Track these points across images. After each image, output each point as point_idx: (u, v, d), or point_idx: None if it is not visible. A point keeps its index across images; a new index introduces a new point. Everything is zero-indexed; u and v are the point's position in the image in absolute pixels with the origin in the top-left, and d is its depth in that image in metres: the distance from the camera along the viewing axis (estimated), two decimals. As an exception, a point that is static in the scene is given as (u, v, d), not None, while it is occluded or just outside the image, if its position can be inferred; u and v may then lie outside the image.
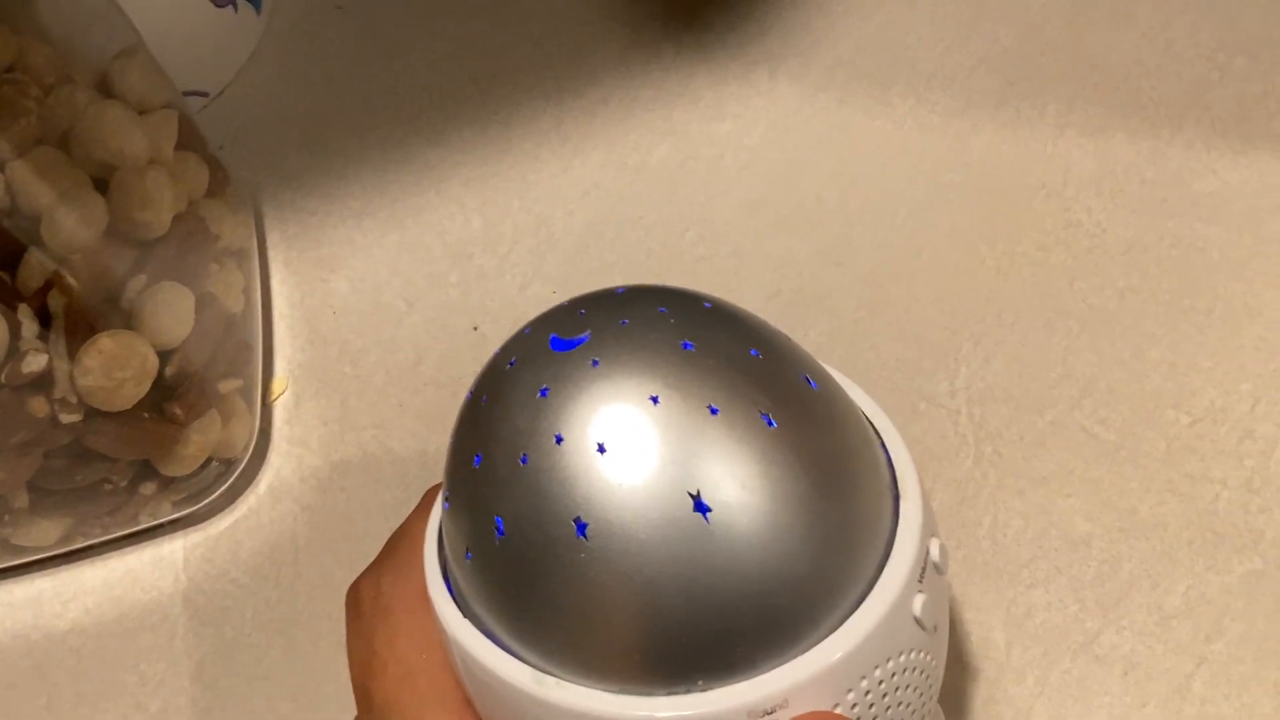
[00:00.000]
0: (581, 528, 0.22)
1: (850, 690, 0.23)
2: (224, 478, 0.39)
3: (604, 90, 0.47)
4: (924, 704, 0.25)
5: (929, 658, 0.25)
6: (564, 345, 0.24)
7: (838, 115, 0.44)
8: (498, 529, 0.23)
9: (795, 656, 0.23)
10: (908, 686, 0.25)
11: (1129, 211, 0.40)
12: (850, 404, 0.25)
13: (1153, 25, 0.44)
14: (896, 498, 0.25)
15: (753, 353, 0.24)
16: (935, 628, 0.25)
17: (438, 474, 0.38)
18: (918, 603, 0.24)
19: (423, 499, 0.29)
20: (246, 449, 0.39)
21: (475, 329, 0.42)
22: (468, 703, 0.26)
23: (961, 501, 0.35)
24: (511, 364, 0.24)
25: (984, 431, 0.36)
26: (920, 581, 0.24)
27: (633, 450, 0.22)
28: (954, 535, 0.35)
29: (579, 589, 0.22)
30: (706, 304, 0.25)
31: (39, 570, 0.39)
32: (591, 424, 0.22)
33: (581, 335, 0.23)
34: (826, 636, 0.23)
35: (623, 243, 0.43)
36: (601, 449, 0.22)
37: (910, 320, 0.39)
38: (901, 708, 0.25)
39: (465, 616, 0.24)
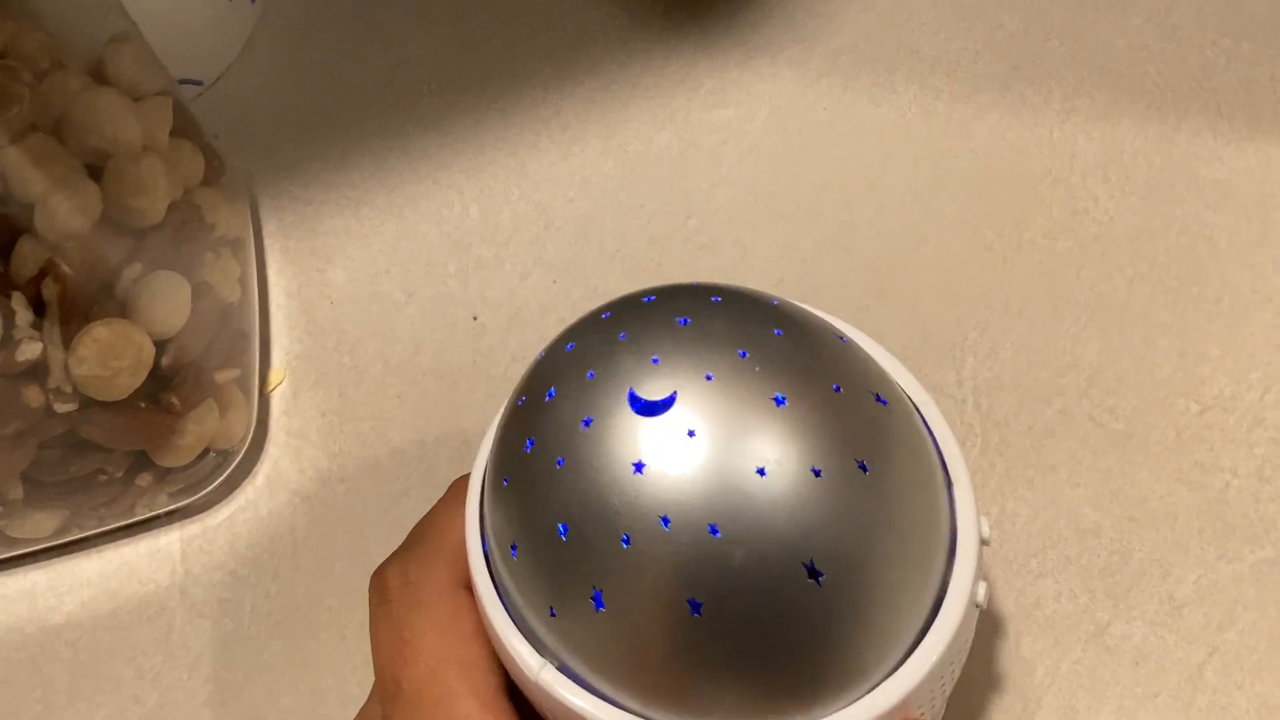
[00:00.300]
0: (696, 607, 0.22)
1: (931, 693, 0.24)
2: (221, 469, 0.39)
3: (604, 78, 0.46)
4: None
5: (973, 633, 0.26)
6: (648, 408, 0.23)
7: (841, 102, 0.44)
8: (596, 601, 0.22)
9: (887, 677, 0.23)
10: (962, 658, 0.25)
11: (1136, 198, 0.39)
12: (909, 405, 0.26)
13: (1157, 10, 0.44)
14: (949, 480, 0.25)
15: (835, 389, 0.23)
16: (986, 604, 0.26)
17: (437, 464, 0.38)
18: (981, 590, 0.25)
19: (450, 489, 0.29)
20: (244, 440, 0.39)
21: (475, 319, 0.41)
22: (499, 694, 0.26)
23: (969, 491, 0.35)
24: (587, 424, 0.23)
25: (991, 421, 0.36)
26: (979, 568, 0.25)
27: (746, 527, 0.22)
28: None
29: (690, 662, 0.22)
30: (777, 330, 0.24)
31: (34, 563, 0.39)
32: (699, 504, 0.22)
33: (667, 397, 0.23)
34: (913, 649, 0.23)
35: (624, 231, 0.42)
36: (714, 531, 0.22)
37: (916, 309, 0.38)
38: (953, 680, 0.25)
39: (540, 654, 0.24)
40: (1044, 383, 0.36)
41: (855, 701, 0.23)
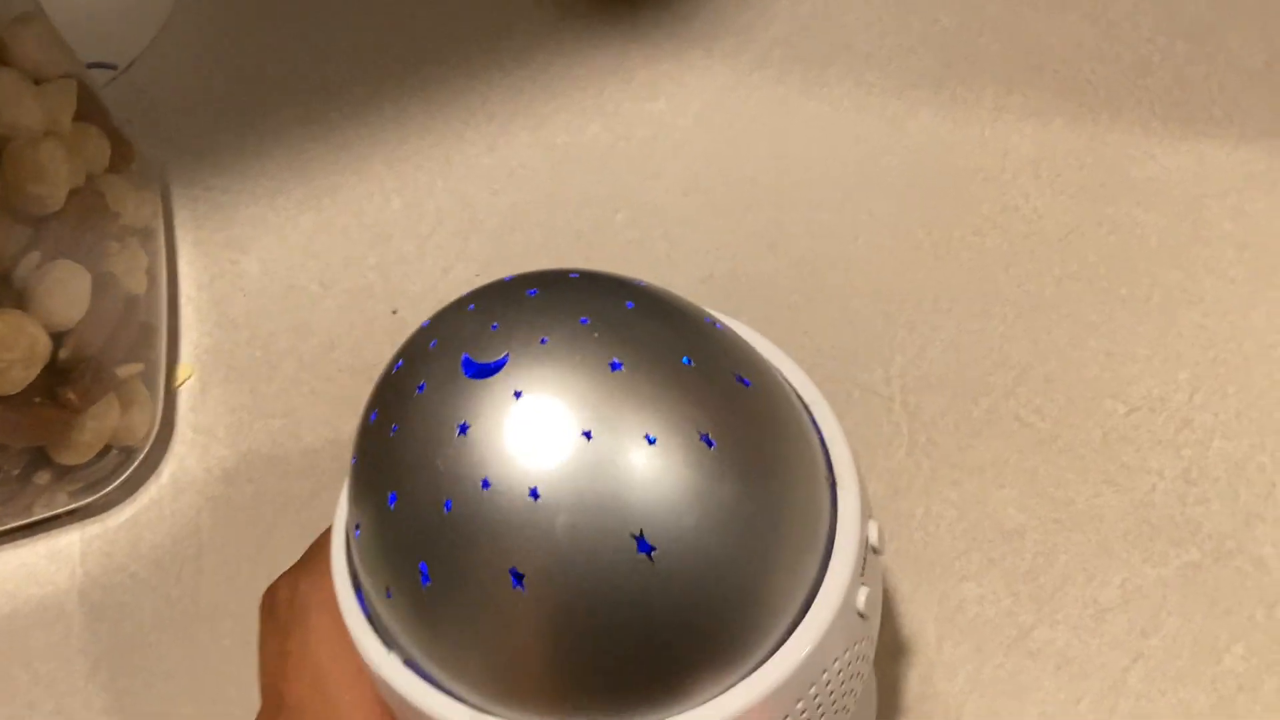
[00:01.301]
0: (518, 578, 0.20)
1: (800, 700, 0.22)
2: (123, 467, 0.37)
3: (532, 68, 0.45)
4: (863, 684, 0.25)
5: (868, 645, 0.24)
6: (480, 371, 0.22)
7: (774, 95, 0.43)
8: (423, 575, 0.21)
9: (744, 677, 0.22)
10: (852, 676, 0.24)
11: (1067, 197, 0.39)
12: (784, 394, 0.24)
13: (1095, 7, 0.43)
14: (833, 483, 0.24)
15: (685, 361, 0.22)
16: (873, 614, 0.24)
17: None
18: (861, 597, 0.23)
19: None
20: (148, 437, 0.37)
21: (395, 313, 0.40)
22: (385, 708, 0.24)
23: (895, 492, 0.34)
24: (421, 389, 0.22)
25: (918, 420, 0.35)
26: (862, 574, 0.23)
27: (568, 493, 0.20)
28: (887, 527, 0.33)
29: (517, 636, 0.21)
30: (630, 303, 0.23)
31: (-76, 565, 0.37)
32: (521, 467, 0.21)
33: (499, 359, 0.21)
34: (775, 650, 0.22)
35: (551, 224, 0.41)
36: (534, 494, 0.20)
37: (845, 306, 0.37)
38: (846, 696, 0.24)
39: (388, 646, 0.23)
40: (972, 381, 0.35)
41: (701, 704, 0.22)
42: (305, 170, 0.43)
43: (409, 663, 0.22)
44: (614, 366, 0.21)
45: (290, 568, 0.27)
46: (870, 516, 0.24)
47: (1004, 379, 0.35)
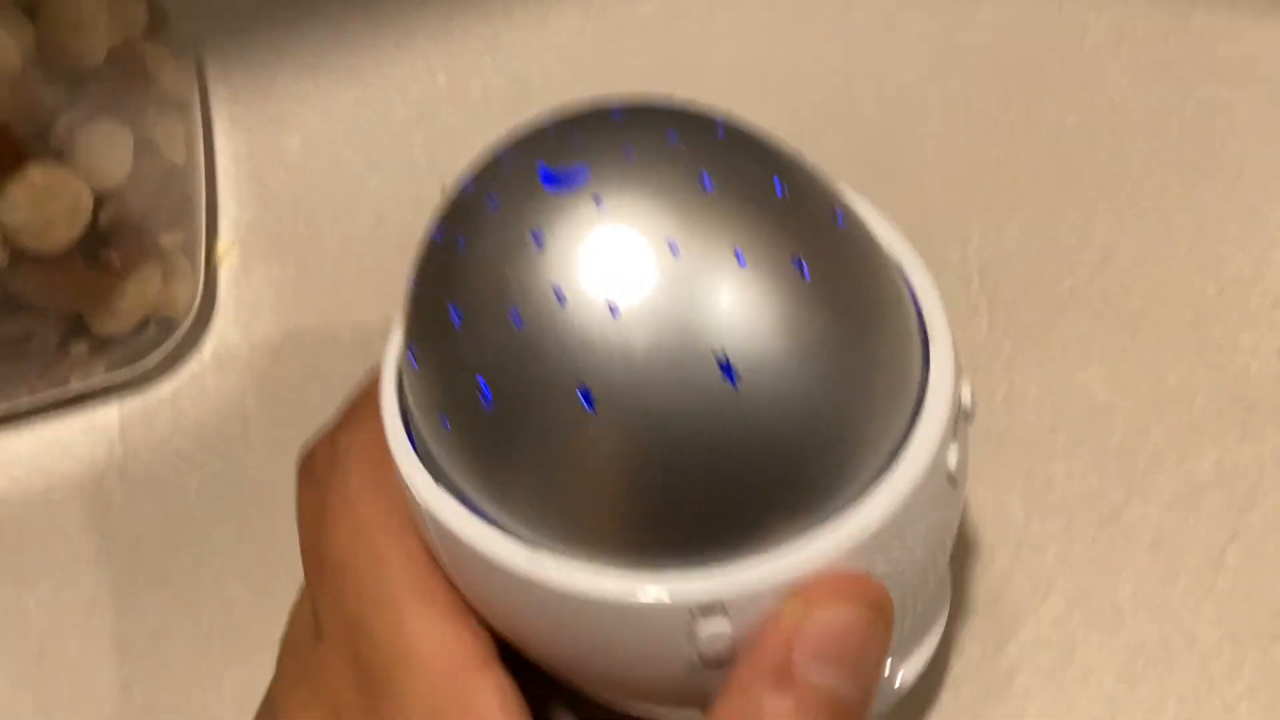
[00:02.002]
0: (589, 399, 0.19)
1: (883, 558, 0.21)
2: (164, 341, 0.35)
3: (581, -54, 0.43)
4: (944, 559, 0.23)
5: (954, 516, 0.23)
6: (558, 181, 0.20)
7: (835, -26, 0.41)
8: (485, 398, 0.20)
9: (826, 526, 0.20)
10: (934, 543, 0.22)
11: (1150, 75, 0.37)
12: (875, 239, 0.22)
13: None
14: (925, 340, 0.22)
15: (778, 187, 0.20)
16: (961, 482, 0.23)
17: (403, 340, 0.35)
18: (952, 456, 0.22)
19: (388, 351, 0.26)
20: (189, 311, 0.36)
21: (443, 190, 0.38)
22: (431, 564, 0.23)
23: (975, 371, 0.33)
24: (493, 202, 0.20)
25: (998, 300, 0.34)
26: (954, 434, 0.22)
27: (649, 309, 0.19)
28: (967, 405, 0.32)
29: (583, 465, 0.19)
30: (720, 131, 0.21)
31: (-45, 439, 0.35)
32: (599, 279, 0.19)
33: (580, 169, 0.20)
34: (859, 501, 0.20)
35: (603, 104, 0.39)
36: (613, 310, 0.19)
37: (918, 185, 0.36)
38: (927, 571, 0.22)
39: (439, 482, 0.21)
40: (1054, 260, 0.34)
41: (775, 550, 0.20)
42: (347, 45, 0.42)
43: (462, 499, 0.21)
44: (704, 183, 0.20)
45: (328, 425, 0.26)
46: (963, 377, 0.23)
47: (1088, 258, 0.34)
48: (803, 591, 0.20)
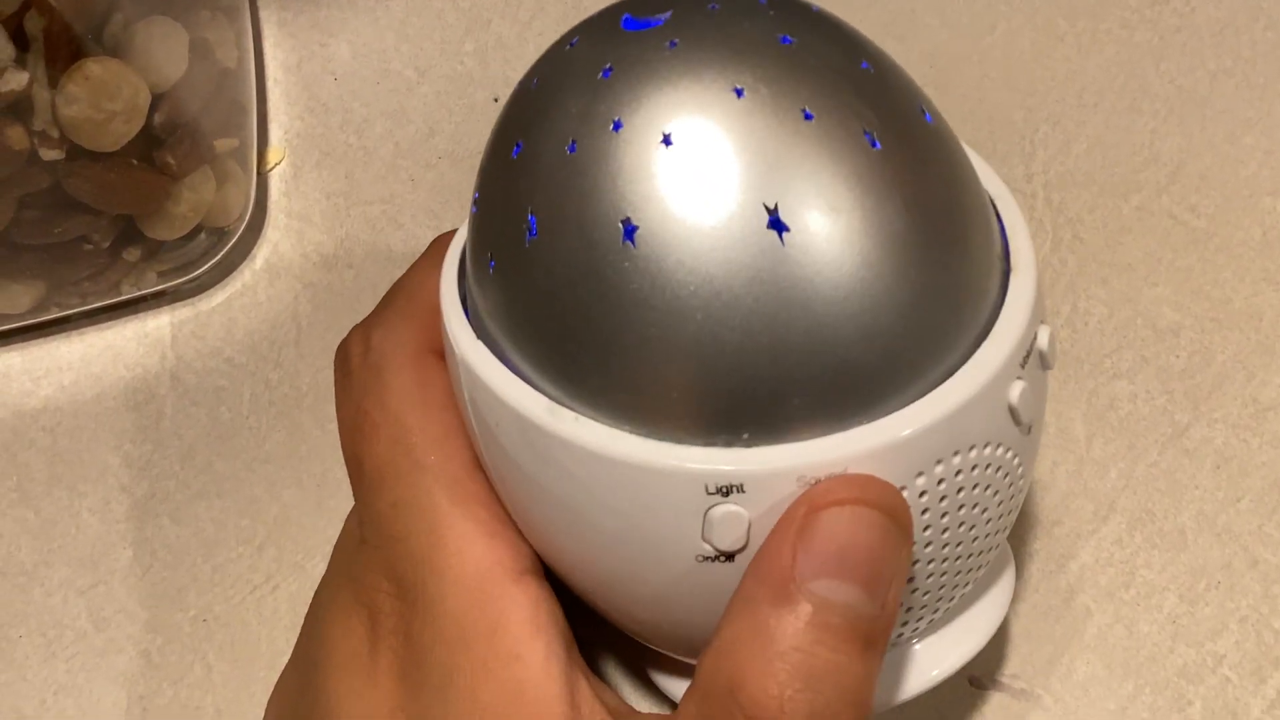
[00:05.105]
0: (630, 231, 0.18)
1: (921, 474, 0.19)
2: (215, 250, 0.35)
3: None
4: (1000, 516, 0.22)
5: (1016, 460, 0.21)
6: (638, 25, 0.20)
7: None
8: (530, 229, 0.19)
9: (862, 422, 0.19)
10: (987, 487, 0.21)
11: (1220, -9, 0.36)
12: (964, 151, 0.22)
13: None
14: (1007, 271, 0.21)
15: (863, 65, 0.20)
16: (1030, 427, 0.21)
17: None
18: (1015, 389, 0.20)
19: (430, 248, 0.26)
20: (241, 219, 0.36)
21: (495, 100, 0.38)
22: (474, 470, 0.22)
23: (1037, 289, 0.32)
24: (573, 44, 0.20)
25: (1063, 217, 0.33)
26: (1023, 367, 0.21)
27: (705, 147, 0.18)
28: (1030, 324, 0.32)
29: (614, 305, 0.19)
30: (814, 8, 0.21)
31: (7, 343, 0.35)
32: (658, 111, 0.19)
33: (661, 15, 0.19)
34: (904, 406, 0.19)
35: (657, 16, 0.39)
36: (667, 141, 0.18)
37: (981, 101, 0.35)
38: (975, 510, 0.21)
39: (479, 339, 0.21)
40: (1121, 178, 0.34)
41: (806, 440, 0.19)
42: (396, -48, 0.41)
43: (498, 354, 0.21)
44: (783, 40, 0.19)
45: (363, 320, 0.25)
46: (1044, 321, 0.22)
47: (1155, 176, 0.33)
48: (811, 491, 0.19)
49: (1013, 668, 0.28)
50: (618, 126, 0.19)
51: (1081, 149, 0.34)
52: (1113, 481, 0.30)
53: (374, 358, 0.24)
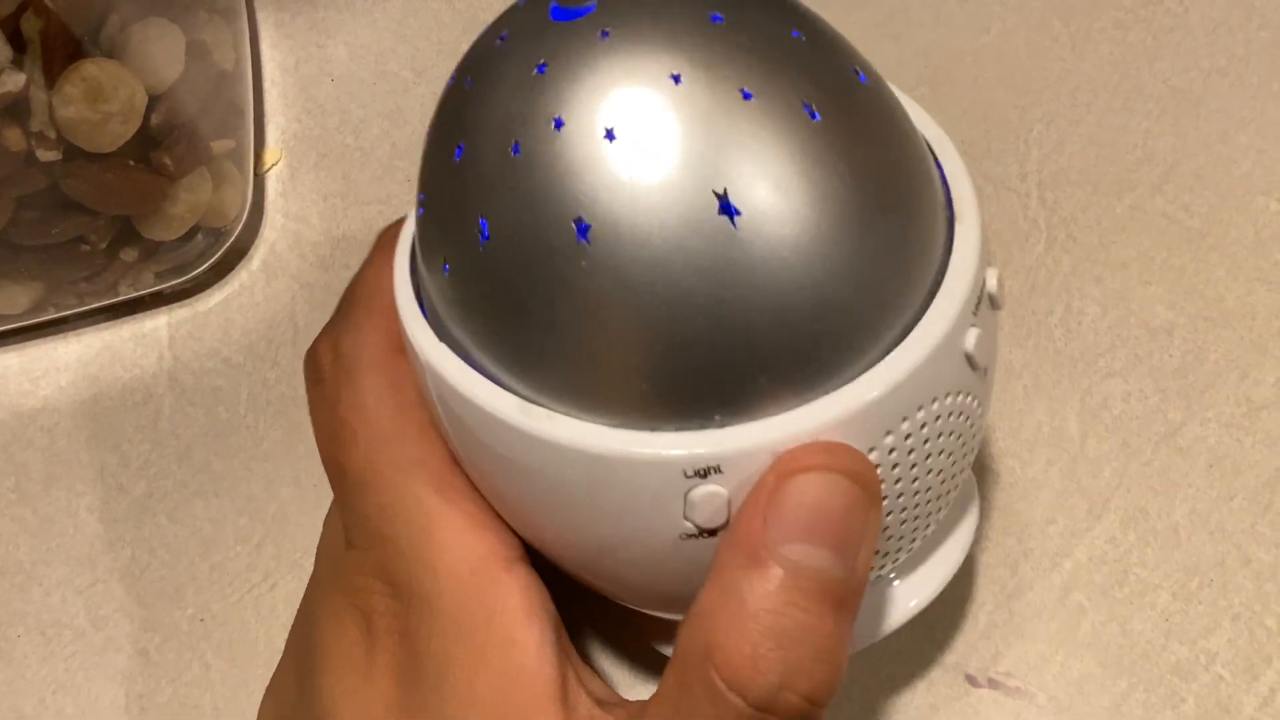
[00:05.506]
0: (583, 230, 0.19)
1: (889, 433, 0.20)
2: (212, 250, 0.35)
3: None
4: (964, 456, 0.22)
5: (975, 403, 0.22)
6: (567, 15, 0.19)
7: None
8: (481, 233, 0.19)
9: (828, 391, 0.19)
10: (951, 433, 0.21)
11: (1214, -9, 0.36)
12: (900, 107, 0.22)
13: None
14: (951, 220, 0.22)
15: (794, 34, 0.20)
16: (986, 369, 0.22)
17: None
18: (970, 337, 0.21)
19: (377, 241, 0.26)
20: (238, 220, 0.36)
21: (491, 101, 0.38)
22: (452, 467, 0.23)
23: (1032, 289, 0.32)
24: (502, 39, 0.20)
25: (1057, 216, 0.33)
26: (975, 314, 0.21)
27: (648, 138, 0.19)
28: (1024, 323, 0.32)
29: (576, 303, 0.19)
30: None
31: (5, 344, 0.35)
32: (599, 106, 0.19)
33: (588, 4, 0.19)
34: (866, 370, 0.20)
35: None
36: (610, 135, 0.19)
37: (976, 99, 0.35)
38: (942, 456, 0.21)
39: (442, 340, 0.21)
40: (1114, 177, 0.34)
41: (771, 415, 0.19)
42: (392, -47, 0.41)
43: (463, 355, 0.21)
44: (714, 19, 0.19)
45: (327, 325, 0.25)
46: (990, 264, 0.22)
47: (1149, 175, 0.34)
48: (780, 460, 0.19)
49: (1007, 665, 0.28)
50: (559, 125, 0.19)
51: (1075, 148, 0.34)
52: (1106, 480, 0.30)
53: (345, 363, 0.24)
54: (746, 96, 0.19)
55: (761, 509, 0.19)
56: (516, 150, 0.19)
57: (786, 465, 0.19)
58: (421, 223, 0.21)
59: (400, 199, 0.36)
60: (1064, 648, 0.28)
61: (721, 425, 0.19)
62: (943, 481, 0.22)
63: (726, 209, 0.18)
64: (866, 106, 0.20)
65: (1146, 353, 0.31)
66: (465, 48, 0.39)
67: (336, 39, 0.40)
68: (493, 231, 0.19)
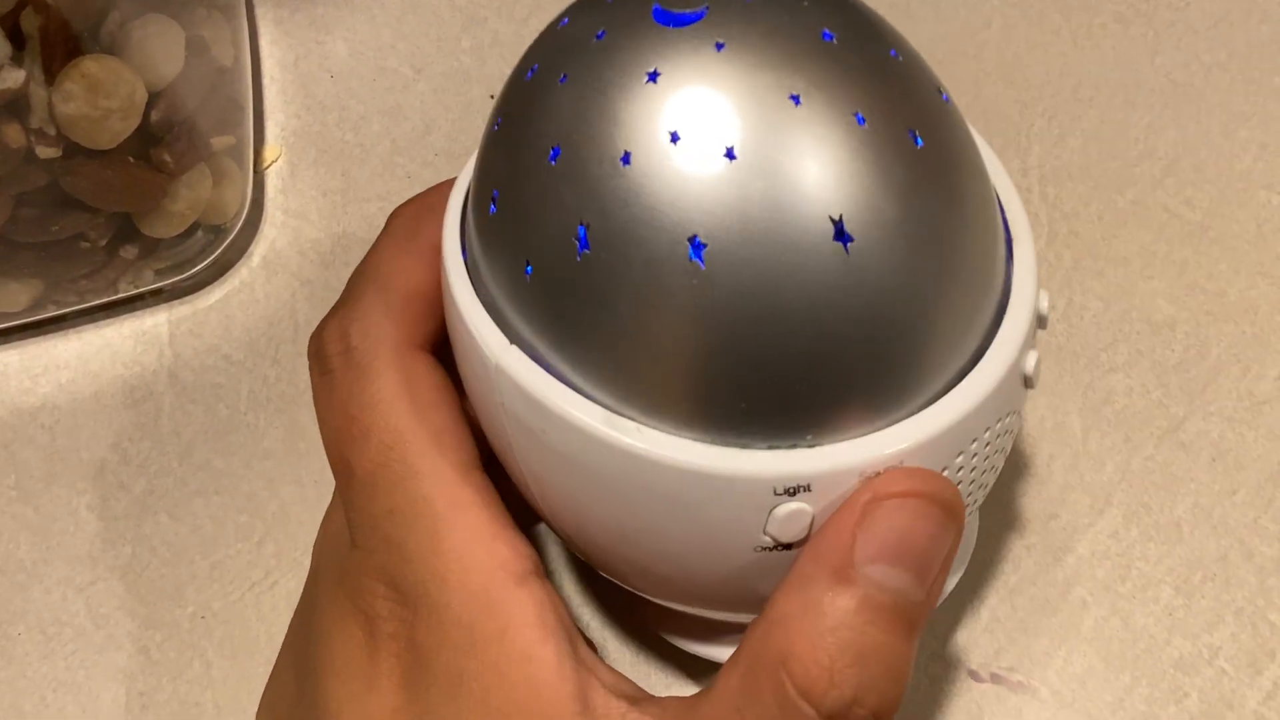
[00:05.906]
0: (698, 248, 0.18)
1: (960, 453, 0.20)
2: (212, 247, 0.35)
3: None
4: (1000, 465, 0.23)
5: (1018, 421, 0.22)
6: (673, 20, 0.19)
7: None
8: (580, 241, 0.19)
9: (911, 414, 0.20)
10: (1000, 450, 0.22)
11: (1214, -15, 0.36)
12: (969, 126, 0.22)
13: None
14: (1009, 240, 0.22)
15: (892, 53, 0.20)
16: (1035, 384, 0.22)
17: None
18: (1030, 359, 0.21)
19: (389, 223, 0.25)
20: (237, 217, 0.35)
21: (492, 97, 0.38)
22: (469, 470, 0.22)
23: (1033, 283, 0.32)
24: (600, 36, 0.19)
25: (1059, 211, 0.33)
26: (1034, 338, 0.22)
27: (769, 160, 0.18)
28: (1025, 318, 0.32)
29: (682, 320, 0.19)
30: None
31: (4, 341, 0.35)
32: (718, 123, 0.18)
33: (698, 10, 0.19)
34: (944, 393, 0.20)
35: (653, 12, 0.39)
36: (730, 154, 0.18)
37: (977, 95, 0.35)
38: (990, 472, 0.22)
39: (513, 344, 0.20)
40: (1116, 172, 0.34)
41: (858, 437, 0.20)
42: (392, -51, 0.41)
43: (535, 358, 0.20)
44: (825, 37, 0.19)
45: (332, 309, 0.24)
46: (1047, 297, 0.22)
47: (1151, 169, 0.34)
48: (873, 483, 0.19)
49: (1009, 660, 0.28)
50: (675, 139, 0.18)
51: (1077, 143, 0.34)
52: (1109, 475, 0.30)
53: (356, 357, 0.23)
54: (860, 121, 0.19)
55: (851, 528, 0.19)
56: (627, 161, 0.19)
57: (882, 487, 0.19)
58: (492, 223, 0.21)
59: (399, 196, 0.36)
60: (1067, 642, 0.28)
61: (813, 445, 0.19)
62: (984, 491, 0.23)
63: (841, 235, 0.18)
64: (951, 129, 0.20)
65: (1148, 347, 0.31)
66: (466, 44, 0.39)
67: (336, 35, 0.40)
68: (593, 240, 0.19)
